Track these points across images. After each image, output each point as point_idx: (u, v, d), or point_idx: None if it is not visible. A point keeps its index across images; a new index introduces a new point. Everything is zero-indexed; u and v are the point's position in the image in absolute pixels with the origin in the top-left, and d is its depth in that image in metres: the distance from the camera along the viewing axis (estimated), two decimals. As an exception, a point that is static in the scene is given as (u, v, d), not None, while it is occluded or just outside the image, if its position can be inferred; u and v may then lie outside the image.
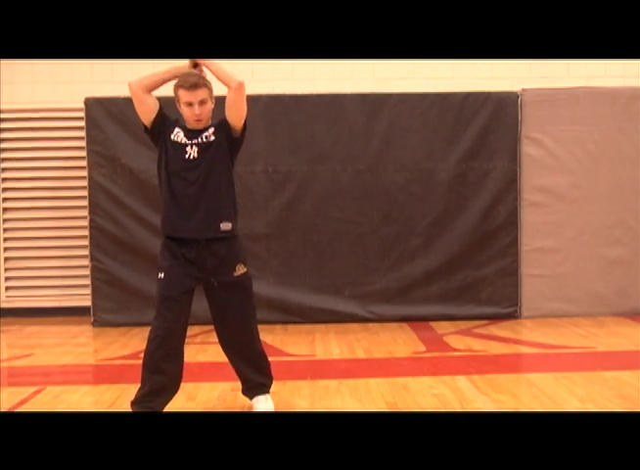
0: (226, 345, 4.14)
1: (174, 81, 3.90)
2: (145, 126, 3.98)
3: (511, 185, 7.15)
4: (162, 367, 3.81)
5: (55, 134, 7.47)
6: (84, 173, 7.16)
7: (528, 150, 7.13)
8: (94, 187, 7.08)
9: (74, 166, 7.39)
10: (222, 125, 3.93)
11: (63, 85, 7.44)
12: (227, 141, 3.91)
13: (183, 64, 3.96)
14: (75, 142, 7.35)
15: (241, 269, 3.96)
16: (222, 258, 3.90)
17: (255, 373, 4.16)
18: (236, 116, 3.89)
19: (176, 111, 3.96)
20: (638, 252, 7.17)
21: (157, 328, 3.81)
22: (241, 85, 3.81)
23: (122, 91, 6.93)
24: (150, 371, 3.82)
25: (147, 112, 3.93)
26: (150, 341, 3.81)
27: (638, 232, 7.18)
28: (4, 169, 7.54)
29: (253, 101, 7.09)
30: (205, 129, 3.89)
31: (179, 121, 3.96)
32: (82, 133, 7.16)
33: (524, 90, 7.15)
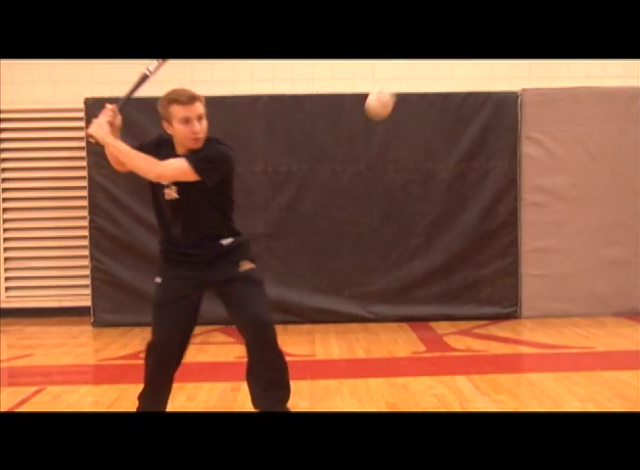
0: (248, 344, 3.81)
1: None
2: None
3: (511, 185, 7.15)
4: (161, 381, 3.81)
5: (55, 134, 7.47)
6: (84, 173, 7.16)
7: (528, 150, 7.13)
8: (94, 187, 7.09)
9: (74, 166, 7.39)
10: None
11: (63, 85, 7.44)
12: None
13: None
14: (75, 142, 7.35)
15: (246, 265, 3.75)
16: (222, 255, 3.72)
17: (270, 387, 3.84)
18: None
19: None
20: (638, 252, 7.17)
21: (153, 338, 3.72)
22: (159, 176, 3.56)
23: (122, 91, 6.95)
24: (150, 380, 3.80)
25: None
26: (147, 353, 3.76)
27: (638, 232, 7.18)
28: (4, 169, 7.54)
29: (253, 101, 7.16)
30: None
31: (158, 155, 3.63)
32: (82, 133, 7.14)
33: (524, 90, 7.15)
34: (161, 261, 3.80)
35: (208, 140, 3.63)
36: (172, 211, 3.66)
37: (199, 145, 3.57)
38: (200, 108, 3.55)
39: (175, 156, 3.60)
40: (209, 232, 3.69)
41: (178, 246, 3.71)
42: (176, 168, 3.54)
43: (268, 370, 3.81)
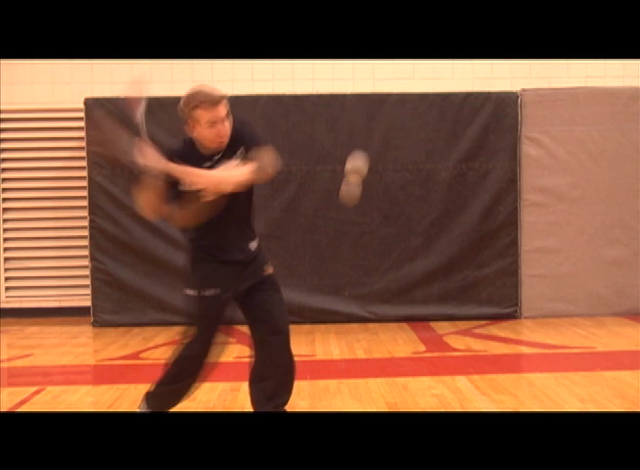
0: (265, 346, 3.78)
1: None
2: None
3: (511, 185, 7.15)
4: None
5: (55, 134, 7.47)
6: (84, 173, 7.16)
7: (528, 150, 7.13)
8: (94, 187, 7.08)
9: (74, 167, 7.39)
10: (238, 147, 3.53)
11: (63, 85, 7.44)
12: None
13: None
14: (75, 142, 7.35)
15: (269, 269, 3.78)
16: (253, 259, 3.72)
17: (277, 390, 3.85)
18: None
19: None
20: (638, 252, 7.17)
21: (193, 348, 3.68)
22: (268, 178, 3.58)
23: (122, 91, 6.97)
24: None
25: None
26: (183, 358, 3.71)
27: (638, 232, 7.18)
28: (4, 169, 7.54)
29: (253, 101, 7.16)
30: (217, 160, 3.51)
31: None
32: (82, 133, 7.16)
33: (524, 90, 7.15)
34: (192, 271, 3.67)
35: (235, 121, 3.55)
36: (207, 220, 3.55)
37: (223, 146, 3.51)
38: (223, 109, 3.45)
39: (203, 158, 3.51)
40: (243, 235, 3.67)
41: (213, 253, 3.61)
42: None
43: (279, 373, 3.79)
